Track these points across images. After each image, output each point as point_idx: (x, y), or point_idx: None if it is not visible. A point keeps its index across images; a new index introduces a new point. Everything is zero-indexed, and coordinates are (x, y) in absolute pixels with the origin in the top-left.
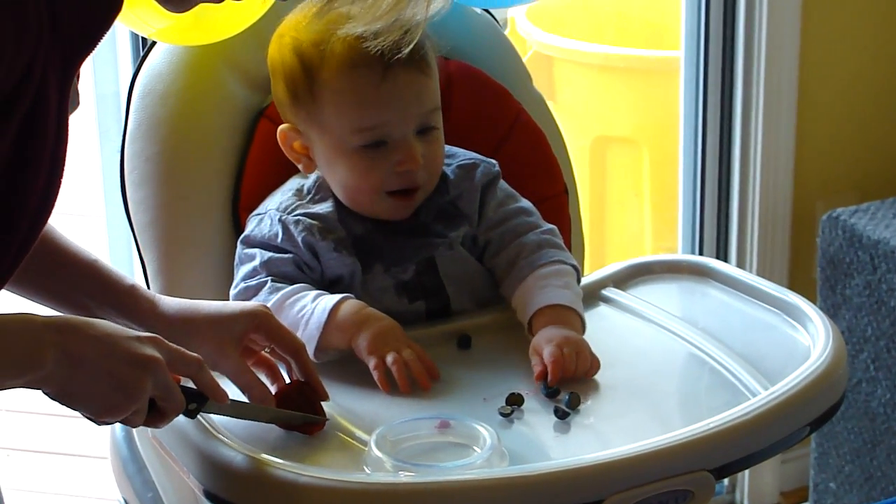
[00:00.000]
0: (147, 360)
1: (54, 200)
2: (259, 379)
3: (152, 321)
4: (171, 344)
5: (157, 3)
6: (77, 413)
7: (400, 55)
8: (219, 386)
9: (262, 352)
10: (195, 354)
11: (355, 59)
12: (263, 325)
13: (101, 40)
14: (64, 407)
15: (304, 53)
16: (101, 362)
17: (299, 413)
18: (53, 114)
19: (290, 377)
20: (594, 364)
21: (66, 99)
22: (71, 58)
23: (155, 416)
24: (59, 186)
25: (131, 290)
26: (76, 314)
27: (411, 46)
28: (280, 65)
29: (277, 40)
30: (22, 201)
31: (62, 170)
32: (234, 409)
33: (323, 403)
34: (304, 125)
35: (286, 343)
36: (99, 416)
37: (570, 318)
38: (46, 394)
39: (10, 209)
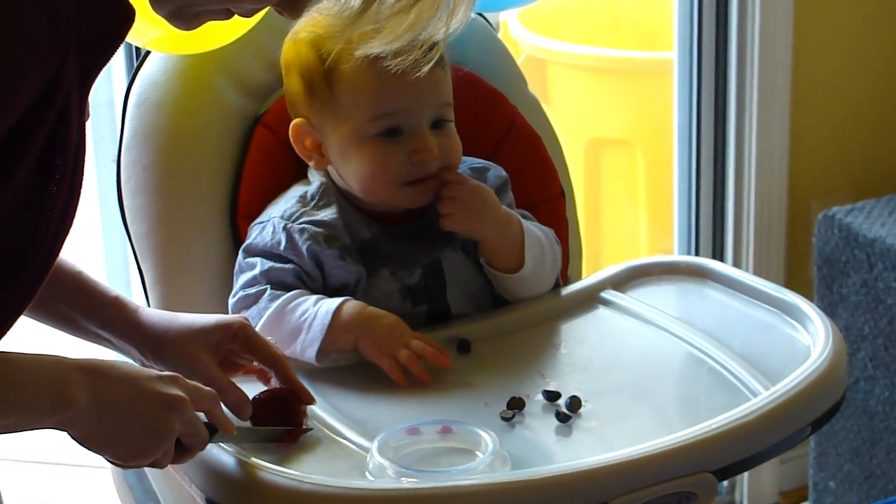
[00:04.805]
0: (174, 399)
1: (75, 211)
2: (234, 383)
3: (134, 332)
4: (188, 381)
5: (152, 14)
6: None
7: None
8: (228, 419)
9: (253, 363)
10: (210, 389)
11: None
12: (240, 335)
13: (116, 52)
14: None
15: (321, 46)
16: (131, 404)
17: (281, 428)
18: (75, 124)
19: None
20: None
21: (83, 109)
22: (89, 69)
23: (180, 453)
24: (79, 197)
25: (115, 302)
26: (60, 326)
27: (431, 65)
28: (296, 59)
29: (292, 39)
30: (48, 210)
31: (81, 180)
32: (238, 437)
33: (321, 409)
34: (319, 117)
35: (264, 354)
36: (128, 460)
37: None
38: (73, 437)
39: (38, 218)
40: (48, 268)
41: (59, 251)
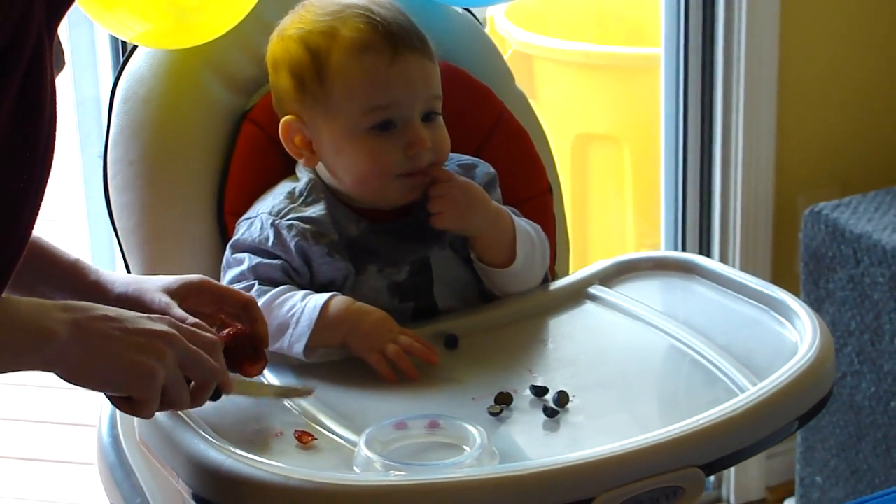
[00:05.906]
0: (161, 332)
1: (51, 163)
2: (202, 323)
3: (96, 293)
4: (185, 325)
5: (138, 7)
6: (67, 420)
7: (410, 43)
8: (226, 369)
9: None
10: (211, 336)
11: (365, 43)
12: (205, 289)
13: None
14: (82, 388)
15: (311, 42)
16: (114, 333)
17: (291, 387)
18: (48, 71)
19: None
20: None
21: (51, 56)
22: (54, 13)
23: (196, 393)
24: (54, 149)
25: (74, 265)
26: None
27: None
28: (284, 56)
29: (279, 36)
30: (29, 160)
31: (55, 131)
32: (239, 388)
33: (309, 403)
34: (310, 114)
35: (233, 299)
36: (132, 389)
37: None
38: (65, 378)
39: (20, 168)
40: (32, 222)
41: (39, 206)
